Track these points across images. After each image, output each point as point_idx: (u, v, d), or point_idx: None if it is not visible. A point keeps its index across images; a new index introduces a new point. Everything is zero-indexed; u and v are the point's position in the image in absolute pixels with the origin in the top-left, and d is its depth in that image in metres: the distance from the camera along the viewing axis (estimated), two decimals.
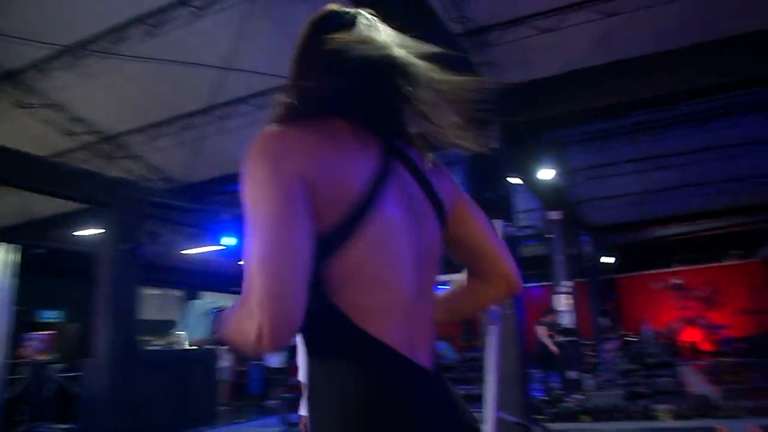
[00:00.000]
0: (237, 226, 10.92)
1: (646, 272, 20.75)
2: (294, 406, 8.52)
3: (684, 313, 19.60)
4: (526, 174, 9.82)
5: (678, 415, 6.77)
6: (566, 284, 11.73)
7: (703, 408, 6.79)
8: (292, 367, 10.65)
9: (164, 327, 13.68)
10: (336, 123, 1.01)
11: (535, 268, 14.83)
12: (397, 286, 0.96)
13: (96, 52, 7.69)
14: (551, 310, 10.76)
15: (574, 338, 10.63)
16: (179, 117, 9.40)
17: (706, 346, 18.14)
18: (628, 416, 6.94)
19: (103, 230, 8.54)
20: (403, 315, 0.97)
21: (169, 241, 11.74)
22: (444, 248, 1.12)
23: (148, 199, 9.43)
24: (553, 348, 9.72)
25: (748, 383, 9.45)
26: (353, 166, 0.96)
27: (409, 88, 1.03)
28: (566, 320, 10.79)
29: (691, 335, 19.00)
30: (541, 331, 10.01)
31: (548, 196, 12.28)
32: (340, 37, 1.02)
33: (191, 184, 11.17)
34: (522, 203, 11.22)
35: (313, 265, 0.89)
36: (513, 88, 8.27)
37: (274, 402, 10.79)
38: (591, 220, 16.22)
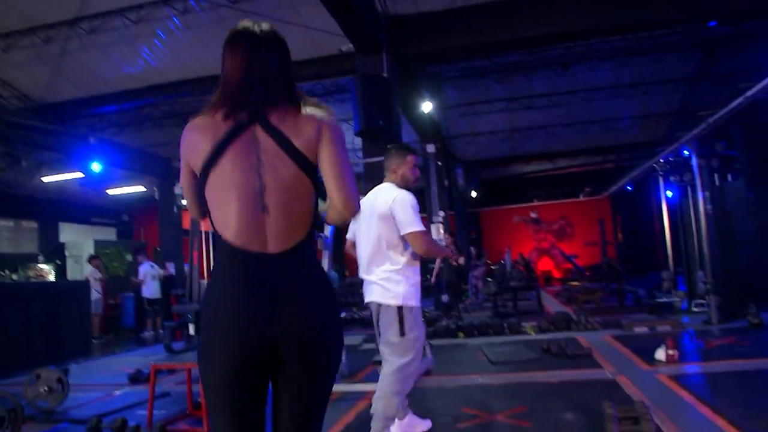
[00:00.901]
0: (105, 149, 10.24)
1: (508, 206, 22.31)
2: (176, 334, 8.42)
3: (540, 244, 21.50)
4: (404, 107, 10.03)
5: (542, 329, 7.60)
6: (439, 215, 12.31)
7: (563, 323, 7.68)
8: (173, 296, 10.43)
9: (20, 260, 12.67)
10: (216, 111, 1.52)
11: None
12: (232, 208, 1.47)
13: None
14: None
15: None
16: (38, 28, 8.42)
17: (559, 274, 20.11)
18: (499, 332, 7.67)
19: None
20: (242, 224, 1.46)
21: (27, 167, 10.71)
22: (306, 177, 1.52)
23: (2, 118, 8.52)
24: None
25: (597, 303, 10.74)
26: (204, 143, 1.49)
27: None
28: None
29: (546, 264, 20.95)
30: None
31: (425, 129, 12.67)
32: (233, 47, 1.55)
33: (52, 104, 10.18)
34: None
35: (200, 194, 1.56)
36: (401, 19, 8.37)
37: (148, 333, 10.52)
38: (463, 154, 16.98)
